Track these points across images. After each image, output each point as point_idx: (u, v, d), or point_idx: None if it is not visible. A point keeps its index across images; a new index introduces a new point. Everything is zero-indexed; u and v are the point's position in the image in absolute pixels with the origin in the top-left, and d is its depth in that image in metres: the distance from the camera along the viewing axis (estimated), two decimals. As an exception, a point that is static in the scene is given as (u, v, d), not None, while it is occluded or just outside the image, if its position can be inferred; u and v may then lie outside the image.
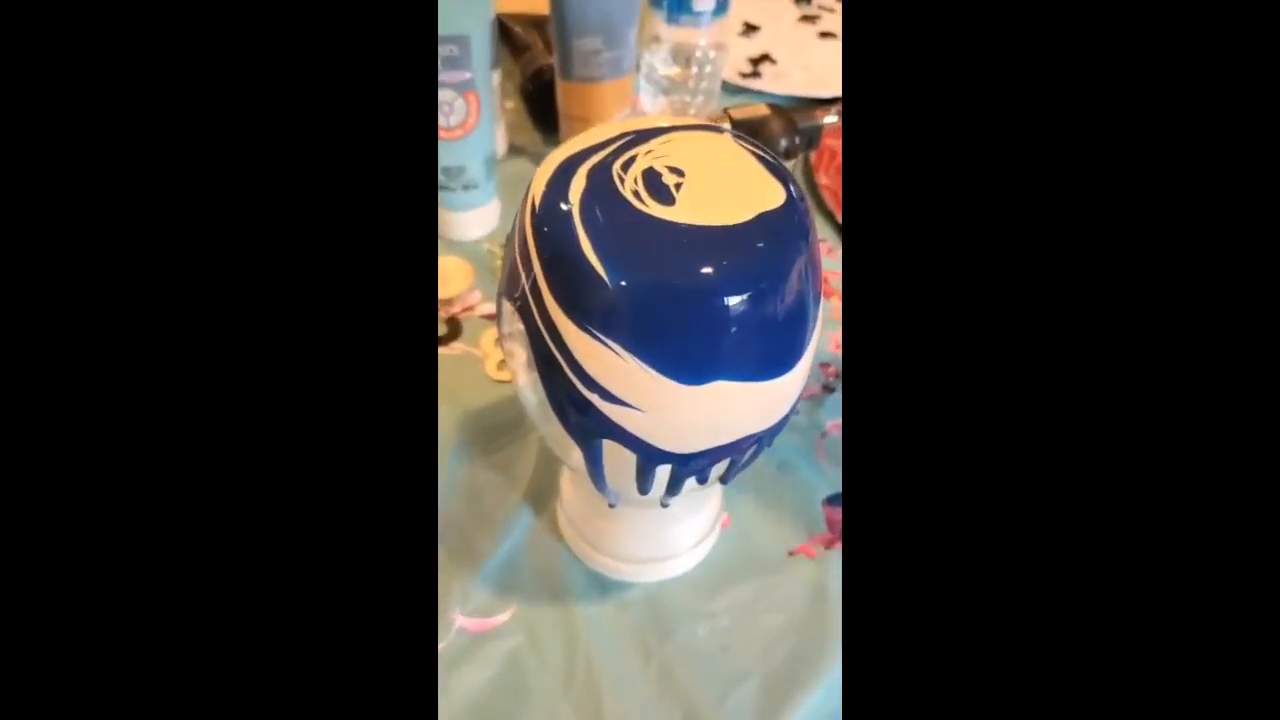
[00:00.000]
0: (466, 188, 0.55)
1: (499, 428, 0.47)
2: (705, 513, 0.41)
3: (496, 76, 0.63)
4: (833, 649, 0.38)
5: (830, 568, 0.41)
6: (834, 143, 0.68)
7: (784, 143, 0.51)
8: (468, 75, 0.51)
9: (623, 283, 0.25)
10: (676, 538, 0.40)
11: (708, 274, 0.25)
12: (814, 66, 0.78)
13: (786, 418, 0.33)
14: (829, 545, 0.42)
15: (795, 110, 0.53)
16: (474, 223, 0.58)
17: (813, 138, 0.52)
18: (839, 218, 0.60)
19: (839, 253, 0.59)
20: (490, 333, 0.51)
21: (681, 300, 0.25)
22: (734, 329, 0.26)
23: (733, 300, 0.25)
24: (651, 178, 0.27)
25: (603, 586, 0.40)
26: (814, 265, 0.29)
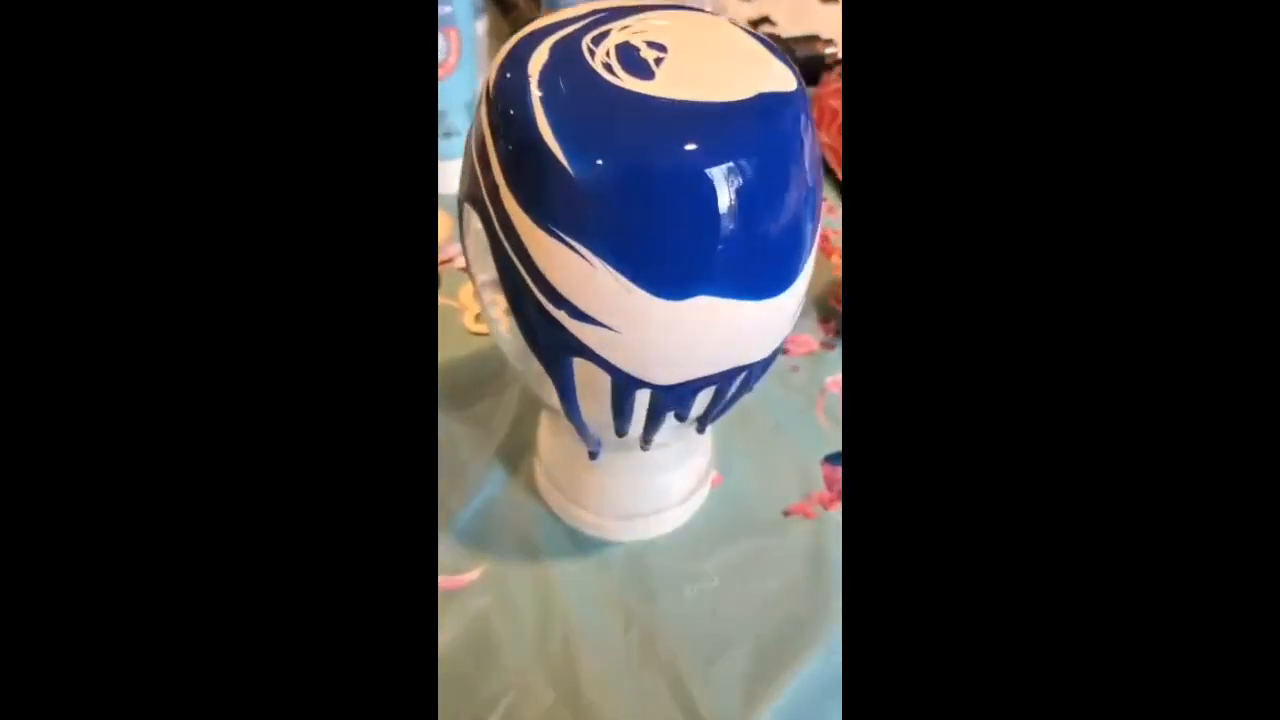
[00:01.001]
0: (447, 135, 0.52)
1: (476, 381, 0.44)
2: (692, 465, 0.37)
3: (482, 26, 0.60)
4: (830, 615, 0.35)
5: (829, 529, 0.38)
6: (836, 103, 0.65)
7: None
8: (449, 9, 0.48)
9: (590, 165, 0.21)
10: (661, 491, 0.37)
11: (690, 151, 0.21)
12: (814, 30, 0.75)
13: (777, 351, 0.30)
14: (828, 505, 0.39)
15: (795, 41, 0.50)
16: (454, 172, 0.54)
17: (813, 70, 0.49)
18: (839, 175, 0.58)
19: (839, 211, 0.56)
20: (469, 286, 0.49)
21: (659, 185, 0.22)
22: (722, 224, 0.23)
23: (721, 185, 0.22)
24: (627, 52, 0.23)
25: (581, 544, 0.37)
26: (816, 169, 0.26)
